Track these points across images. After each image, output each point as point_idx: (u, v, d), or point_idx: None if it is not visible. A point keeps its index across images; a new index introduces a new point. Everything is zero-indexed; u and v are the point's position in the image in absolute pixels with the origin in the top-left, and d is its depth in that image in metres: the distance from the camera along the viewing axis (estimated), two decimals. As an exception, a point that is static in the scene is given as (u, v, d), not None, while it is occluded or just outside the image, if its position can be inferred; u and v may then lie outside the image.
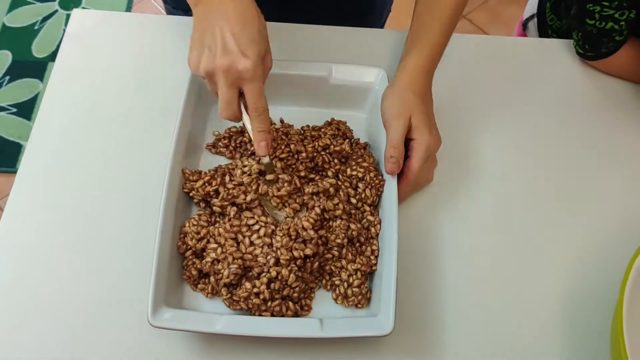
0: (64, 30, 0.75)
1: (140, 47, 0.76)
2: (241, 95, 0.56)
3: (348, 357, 0.58)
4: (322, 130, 0.67)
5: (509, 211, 0.67)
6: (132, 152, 0.68)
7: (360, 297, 0.58)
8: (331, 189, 0.61)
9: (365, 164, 0.63)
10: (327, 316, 0.58)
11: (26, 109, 1.66)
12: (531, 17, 0.93)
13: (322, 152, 0.65)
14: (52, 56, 1.76)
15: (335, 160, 0.65)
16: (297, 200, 0.60)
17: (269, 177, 0.61)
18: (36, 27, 1.82)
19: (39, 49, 1.77)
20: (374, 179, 0.62)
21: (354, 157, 0.65)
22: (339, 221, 0.60)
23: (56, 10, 1.86)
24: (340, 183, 0.63)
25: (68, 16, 1.93)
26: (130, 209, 0.64)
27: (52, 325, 0.58)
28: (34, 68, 1.73)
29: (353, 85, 0.69)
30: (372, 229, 0.61)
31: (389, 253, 0.57)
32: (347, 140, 0.67)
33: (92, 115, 0.71)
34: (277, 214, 0.60)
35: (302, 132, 0.67)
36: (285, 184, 0.60)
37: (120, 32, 0.78)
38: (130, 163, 0.68)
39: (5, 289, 0.60)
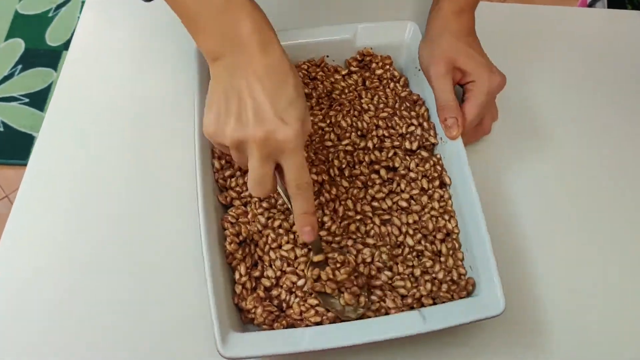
0: (79, 18, 0.69)
1: (160, 26, 0.70)
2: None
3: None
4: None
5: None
6: (151, 141, 0.62)
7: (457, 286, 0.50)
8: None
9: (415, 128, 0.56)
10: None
11: (39, 100, 1.60)
12: (598, -1, 0.84)
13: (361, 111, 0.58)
14: (67, 45, 1.70)
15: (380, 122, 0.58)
16: (357, 282, 0.49)
17: (316, 258, 0.50)
18: (50, 15, 1.76)
19: (52, 37, 1.71)
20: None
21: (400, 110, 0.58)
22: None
23: (71, -3, 1.79)
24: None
25: (83, 3, 1.87)
26: (150, 203, 0.58)
27: (68, 324, 0.53)
28: (48, 57, 1.67)
29: (382, 45, 0.61)
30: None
31: (474, 224, 0.50)
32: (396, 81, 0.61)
33: (109, 103, 0.64)
34: (333, 302, 0.49)
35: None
36: (340, 265, 0.49)
37: (141, 10, 0.70)
38: (150, 152, 0.61)
39: (14, 287, 0.54)
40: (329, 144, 0.56)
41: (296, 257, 0.50)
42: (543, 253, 0.57)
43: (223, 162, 0.55)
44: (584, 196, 0.61)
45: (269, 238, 0.51)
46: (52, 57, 1.67)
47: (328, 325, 0.47)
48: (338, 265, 0.49)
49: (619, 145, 0.64)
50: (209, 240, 0.48)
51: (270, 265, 0.50)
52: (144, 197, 0.59)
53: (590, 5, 0.87)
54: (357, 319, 0.48)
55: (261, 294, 0.49)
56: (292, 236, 0.51)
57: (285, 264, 0.50)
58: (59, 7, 1.77)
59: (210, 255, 0.47)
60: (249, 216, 0.52)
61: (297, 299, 0.49)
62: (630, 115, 0.66)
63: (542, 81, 0.68)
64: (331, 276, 0.49)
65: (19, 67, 1.65)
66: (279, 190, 0.48)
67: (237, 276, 0.49)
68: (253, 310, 0.47)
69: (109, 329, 0.52)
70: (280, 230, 0.51)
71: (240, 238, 0.51)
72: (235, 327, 0.46)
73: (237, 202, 0.54)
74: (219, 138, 0.45)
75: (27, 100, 1.59)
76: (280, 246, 0.51)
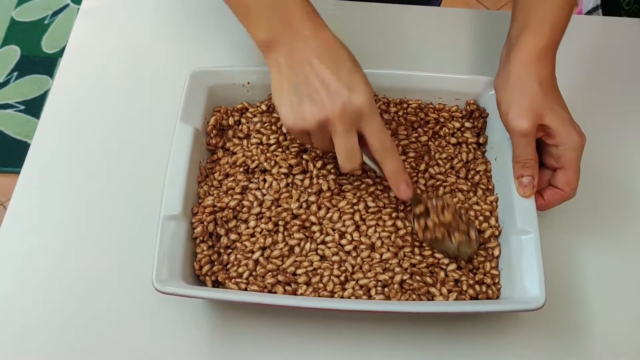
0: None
1: (154, 34, 0.69)
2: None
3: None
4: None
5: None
6: (144, 148, 0.62)
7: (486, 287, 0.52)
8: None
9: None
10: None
11: (34, 107, 1.59)
12: (594, 8, 0.84)
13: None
14: (63, 52, 1.68)
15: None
16: (462, 219, 0.52)
17: (417, 209, 0.52)
18: (46, 22, 1.75)
19: (48, 45, 1.70)
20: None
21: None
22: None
23: (67, 5, 1.79)
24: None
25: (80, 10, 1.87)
26: (140, 208, 0.58)
27: (58, 329, 0.52)
28: (44, 64, 1.66)
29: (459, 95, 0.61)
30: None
31: (522, 210, 0.51)
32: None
33: (102, 110, 0.64)
34: (447, 245, 0.51)
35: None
36: (441, 209, 0.52)
37: (134, 18, 0.71)
38: (143, 160, 0.61)
39: (9, 292, 0.54)
40: None
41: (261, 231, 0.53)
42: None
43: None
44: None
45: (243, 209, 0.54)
46: (48, 65, 1.66)
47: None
48: (439, 210, 0.52)
49: (617, 150, 0.64)
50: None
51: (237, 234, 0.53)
52: (138, 204, 0.58)
53: (588, 14, 0.87)
54: (472, 254, 0.52)
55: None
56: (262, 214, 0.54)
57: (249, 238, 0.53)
58: (55, 14, 1.77)
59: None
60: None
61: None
62: (627, 122, 0.66)
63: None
64: (437, 221, 0.51)
65: (15, 74, 1.64)
66: (366, 161, 0.51)
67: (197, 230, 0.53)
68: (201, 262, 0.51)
69: (102, 334, 0.52)
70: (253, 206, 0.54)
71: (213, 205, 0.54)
72: (187, 278, 0.50)
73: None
74: (299, 126, 0.47)
75: (22, 107, 1.58)
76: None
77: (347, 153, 0.47)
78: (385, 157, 0.48)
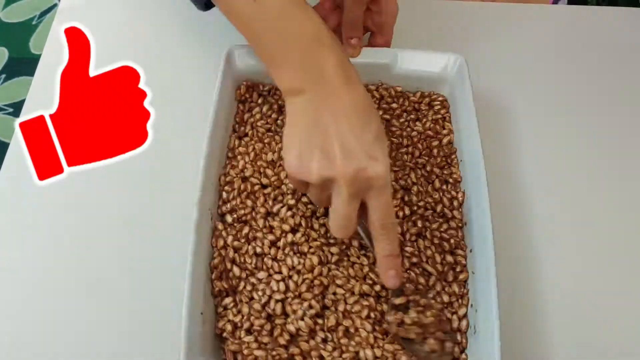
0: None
1: (131, 36, 0.67)
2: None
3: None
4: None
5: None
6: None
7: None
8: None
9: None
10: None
11: (23, 109, 1.57)
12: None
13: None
14: (51, 53, 1.67)
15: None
16: (442, 326, 0.45)
17: (397, 300, 0.46)
18: (34, 23, 1.73)
19: (36, 46, 1.68)
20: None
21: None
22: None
23: (55, 5, 1.77)
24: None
25: (67, 11, 1.85)
26: (129, 211, 0.56)
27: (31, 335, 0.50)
28: (32, 65, 1.63)
29: (422, 75, 0.58)
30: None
31: (482, 259, 0.47)
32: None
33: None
34: (417, 348, 0.45)
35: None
36: (423, 309, 0.45)
37: (110, 20, 0.69)
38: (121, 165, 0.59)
39: None
40: None
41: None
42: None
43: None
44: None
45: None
46: (36, 66, 1.64)
47: None
48: (420, 308, 0.45)
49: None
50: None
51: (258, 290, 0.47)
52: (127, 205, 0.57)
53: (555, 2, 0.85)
54: None
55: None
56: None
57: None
58: (42, 14, 1.75)
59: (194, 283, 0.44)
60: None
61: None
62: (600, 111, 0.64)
63: (525, 84, 0.66)
64: (416, 320, 0.45)
65: (3, 76, 1.62)
66: (359, 229, 0.46)
67: (220, 310, 0.47)
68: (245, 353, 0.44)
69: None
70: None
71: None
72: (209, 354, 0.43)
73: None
74: (303, 174, 0.43)
75: (11, 110, 1.56)
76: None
77: (344, 219, 0.43)
78: (382, 236, 0.44)
